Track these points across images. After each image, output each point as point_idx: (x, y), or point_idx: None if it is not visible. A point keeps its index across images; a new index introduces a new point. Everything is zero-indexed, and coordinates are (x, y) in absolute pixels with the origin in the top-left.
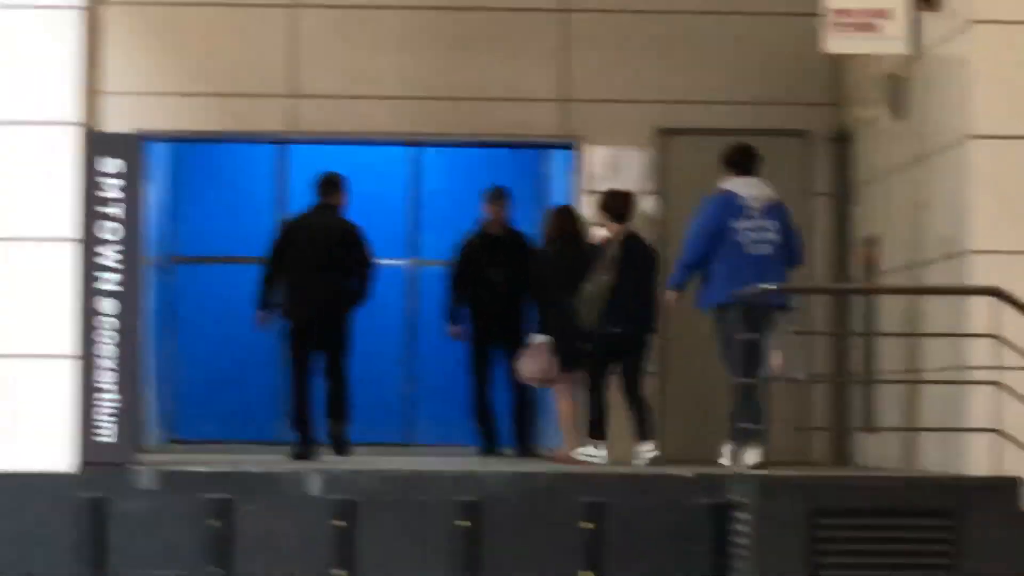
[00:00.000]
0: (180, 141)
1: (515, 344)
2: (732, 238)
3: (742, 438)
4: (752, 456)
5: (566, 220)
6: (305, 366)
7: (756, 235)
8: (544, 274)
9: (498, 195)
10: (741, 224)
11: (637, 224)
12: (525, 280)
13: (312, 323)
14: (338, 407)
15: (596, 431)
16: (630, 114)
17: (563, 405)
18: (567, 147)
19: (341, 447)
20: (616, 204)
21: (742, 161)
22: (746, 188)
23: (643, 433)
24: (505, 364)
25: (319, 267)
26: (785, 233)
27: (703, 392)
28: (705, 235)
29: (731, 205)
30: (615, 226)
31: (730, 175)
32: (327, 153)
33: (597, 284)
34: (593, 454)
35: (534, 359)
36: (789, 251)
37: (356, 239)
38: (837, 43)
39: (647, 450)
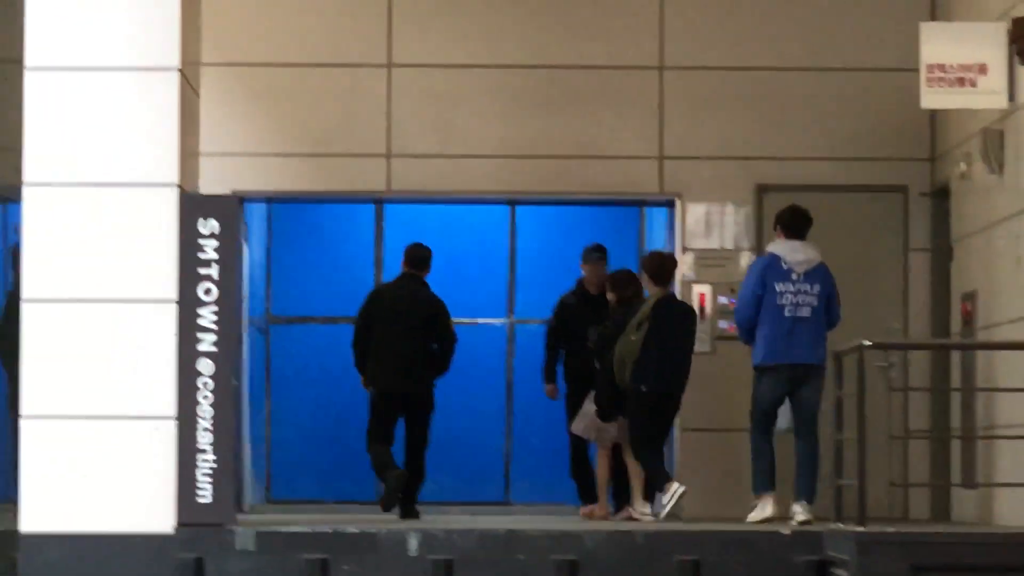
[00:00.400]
0: (277, 201)
1: None
2: (774, 301)
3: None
4: (758, 512)
5: (631, 282)
6: (388, 433)
7: (797, 298)
8: (612, 335)
9: (596, 253)
10: (783, 287)
11: (734, 280)
12: None
13: (397, 391)
14: (414, 470)
15: (647, 489)
16: (728, 170)
17: (599, 463)
18: (665, 204)
19: (408, 511)
20: (654, 265)
21: (793, 223)
22: (791, 252)
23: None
24: None
25: (407, 336)
26: (827, 296)
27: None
28: (752, 298)
29: (775, 268)
30: (654, 287)
31: (780, 237)
32: (424, 212)
33: (626, 344)
34: (645, 511)
35: (582, 416)
36: (828, 314)
37: (442, 312)
38: (934, 98)
39: (655, 511)
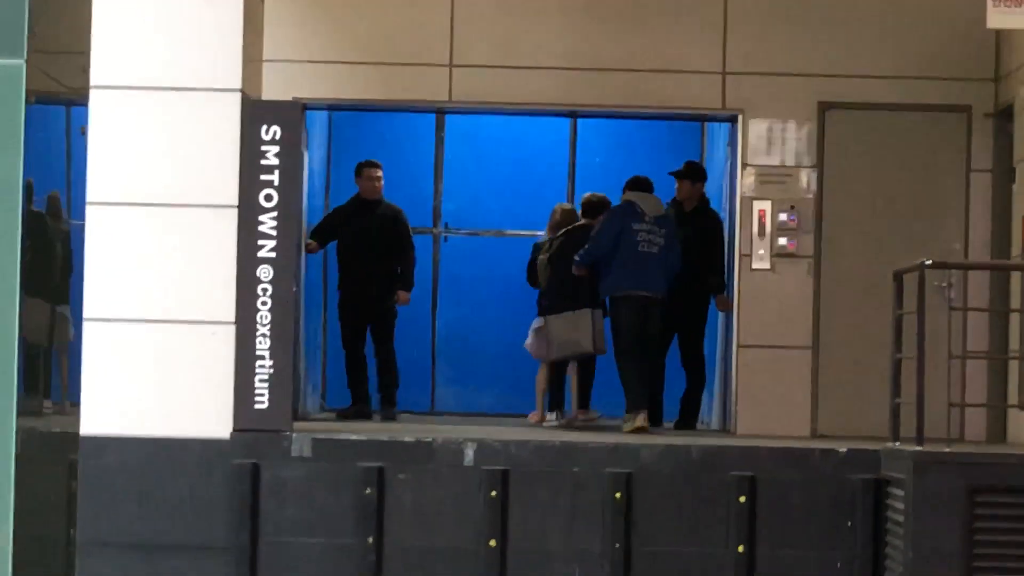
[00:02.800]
0: (338, 110)
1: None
2: (631, 239)
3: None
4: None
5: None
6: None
7: (648, 236)
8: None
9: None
10: (637, 227)
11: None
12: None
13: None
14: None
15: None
16: (791, 87)
17: (538, 374)
18: (727, 120)
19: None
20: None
21: (639, 184)
22: (643, 200)
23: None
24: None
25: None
26: (670, 240)
27: (855, 368)
28: (613, 235)
29: (632, 211)
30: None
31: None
32: (484, 123)
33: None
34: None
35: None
36: (670, 256)
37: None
38: (999, 18)
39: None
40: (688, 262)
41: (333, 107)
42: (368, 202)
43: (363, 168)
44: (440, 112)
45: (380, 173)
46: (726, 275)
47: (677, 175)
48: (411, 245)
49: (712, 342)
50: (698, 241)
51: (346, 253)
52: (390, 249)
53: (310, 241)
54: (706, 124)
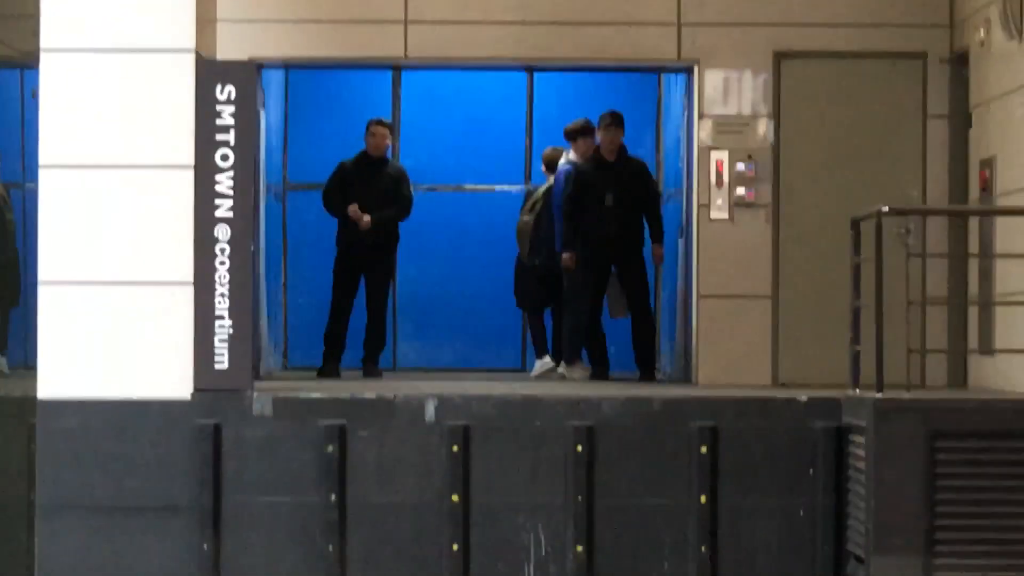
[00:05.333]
0: (294, 68)
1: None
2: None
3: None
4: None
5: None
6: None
7: None
8: None
9: (610, 119)
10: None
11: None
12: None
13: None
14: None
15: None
16: (747, 37)
17: None
18: (683, 71)
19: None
20: (547, 156)
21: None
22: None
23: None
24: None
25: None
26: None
27: (815, 316)
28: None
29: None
30: (548, 175)
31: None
32: (441, 79)
33: (521, 222)
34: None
35: None
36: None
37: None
38: None
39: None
40: (623, 213)
41: (288, 65)
42: (374, 159)
43: (371, 125)
44: (396, 68)
45: (386, 131)
46: (686, 225)
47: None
48: (410, 204)
49: (672, 293)
50: (630, 192)
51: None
52: (392, 207)
53: (359, 215)
54: (663, 75)
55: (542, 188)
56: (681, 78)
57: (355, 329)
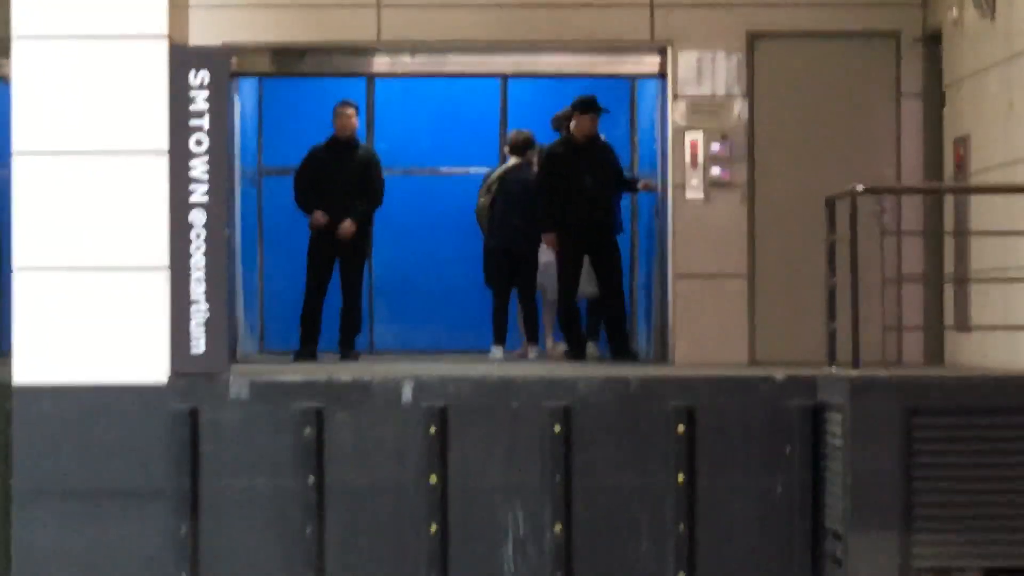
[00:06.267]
0: (269, 76)
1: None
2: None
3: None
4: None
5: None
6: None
7: None
8: None
9: (587, 103)
10: None
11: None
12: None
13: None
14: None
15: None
16: (719, 17)
17: None
18: (656, 52)
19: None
20: (511, 139)
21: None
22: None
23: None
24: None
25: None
26: None
27: (791, 295)
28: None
29: None
30: (512, 157)
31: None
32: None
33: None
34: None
35: None
36: None
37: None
38: None
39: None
40: (600, 194)
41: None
42: (343, 142)
43: (337, 107)
44: (369, 52)
45: (353, 111)
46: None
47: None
48: (382, 191)
49: (647, 273)
50: (604, 173)
51: (321, 193)
52: (364, 192)
53: (318, 215)
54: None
55: (497, 171)
56: (654, 84)
57: (332, 312)
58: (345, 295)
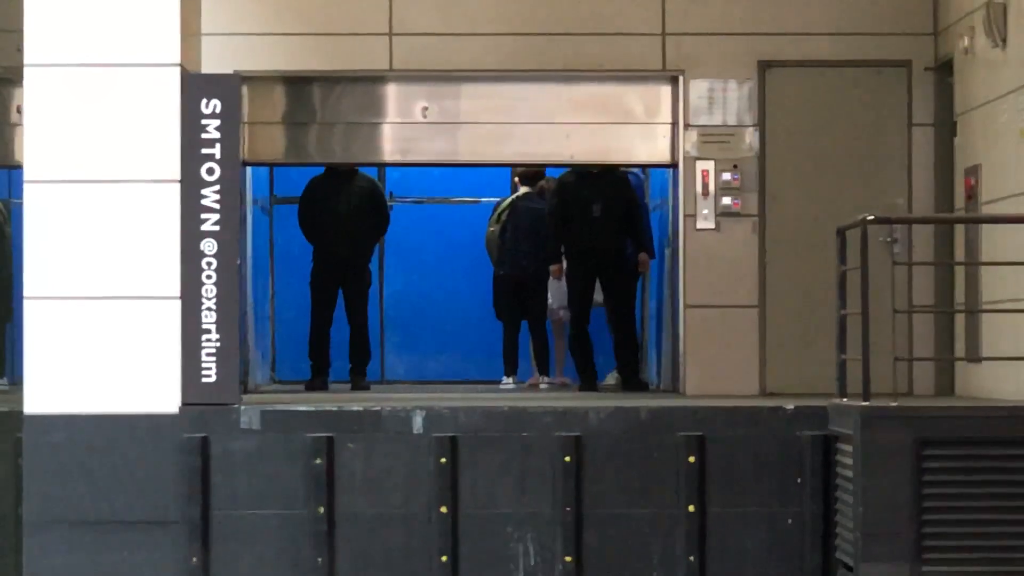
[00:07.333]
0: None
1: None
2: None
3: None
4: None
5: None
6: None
7: None
8: None
9: None
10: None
11: (737, 157)
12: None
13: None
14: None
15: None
16: (731, 47)
17: None
18: (668, 81)
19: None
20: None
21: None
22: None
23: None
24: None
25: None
26: None
27: (802, 325)
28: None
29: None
30: (521, 187)
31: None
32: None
33: (489, 233)
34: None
35: None
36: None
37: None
38: None
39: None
40: (610, 223)
41: (271, 78)
42: (342, 172)
43: None
44: (380, 80)
45: None
46: (672, 235)
47: None
48: (387, 219)
49: (659, 303)
50: (615, 203)
51: (323, 224)
52: (367, 220)
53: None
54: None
55: (507, 200)
56: (666, 88)
57: (342, 342)
58: (352, 324)
